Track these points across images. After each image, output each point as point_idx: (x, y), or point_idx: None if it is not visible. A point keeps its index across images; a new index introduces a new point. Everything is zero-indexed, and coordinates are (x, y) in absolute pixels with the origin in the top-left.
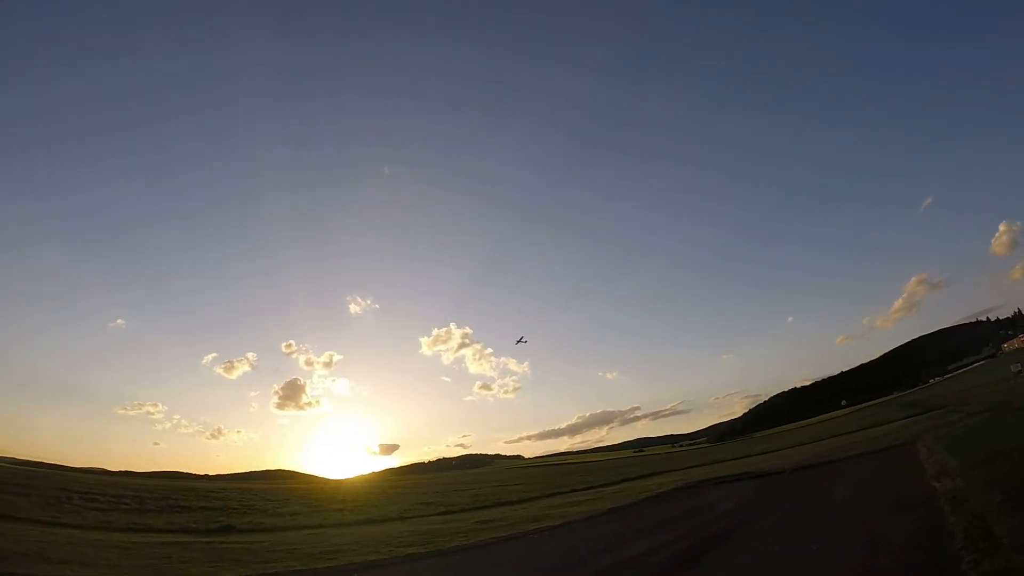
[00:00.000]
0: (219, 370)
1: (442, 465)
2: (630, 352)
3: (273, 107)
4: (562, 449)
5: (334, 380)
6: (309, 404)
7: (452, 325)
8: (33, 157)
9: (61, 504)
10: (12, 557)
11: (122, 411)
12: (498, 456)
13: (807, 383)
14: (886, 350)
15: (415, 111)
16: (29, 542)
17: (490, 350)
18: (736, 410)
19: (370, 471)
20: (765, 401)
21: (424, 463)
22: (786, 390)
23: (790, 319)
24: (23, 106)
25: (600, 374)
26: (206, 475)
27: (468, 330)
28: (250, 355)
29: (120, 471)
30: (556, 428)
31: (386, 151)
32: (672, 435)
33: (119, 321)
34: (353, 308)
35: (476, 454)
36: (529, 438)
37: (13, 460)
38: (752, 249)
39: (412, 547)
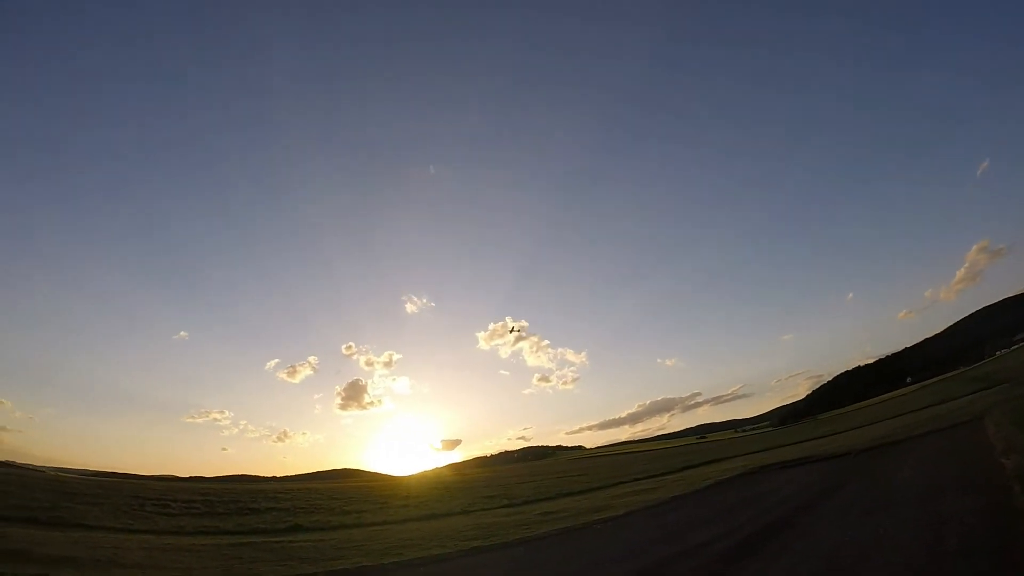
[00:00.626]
0: (282, 375)
1: (504, 458)
2: (688, 338)
3: (316, 117)
4: (623, 438)
5: (394, 379)
6: (371, 403)
7: (508, 319)
8: (95, 183)
9: (133, 511)
10: (85, 564)
11: (190, 419)
12: (559, 447)
13: (870, 361)
14: (950, 323)
15: (455, 109)
16: (102, 548)
17: (547, 342)
18: (799, 392)
19: (433, 467)
20: (828, 381)
21: (486, 457)
22: (849, 369)
23: (850, 296)
24: (88, 134)
25: (659, 361)
26: (273, 477)
27: (524, 323)
28: (312, 359)
29: (190, 477)
30: (616, 417)
31: (430, 151)
32: (734, 420)
33: (182, 333)
34: (409, 307)
35: (537, 446)
36: (590, 428)
37: (86, 471)
38: (808, 226)
39: (476, 540)
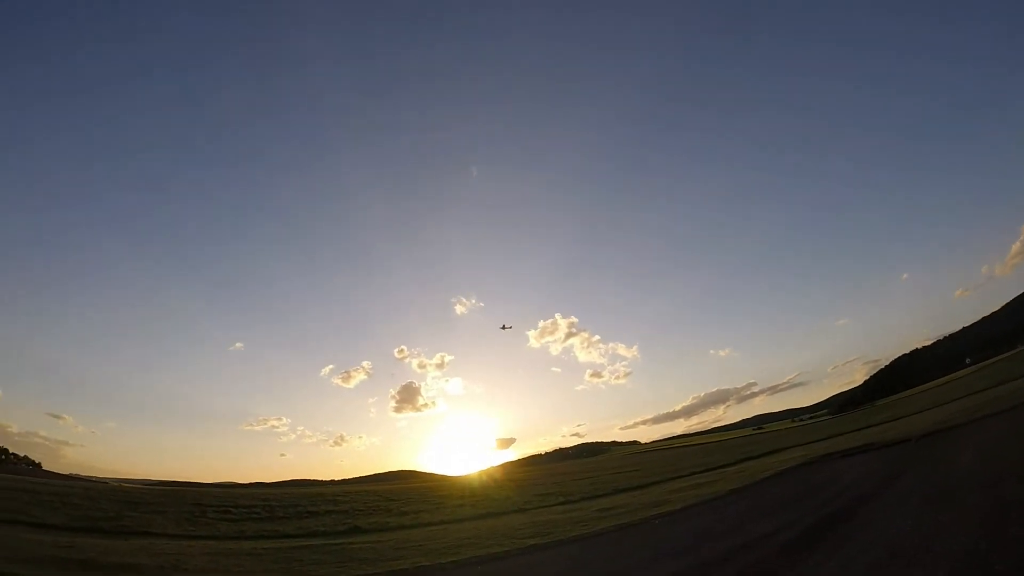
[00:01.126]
0: (337, 380)
1: (559, 455)
2: (742, 326)
3: (359, 125)
4: (678, 432)
5: (447, 380)
6: (425, 405)
7: (557, 316)
8: (150, 201)
9: (195, 518)
10: (149, 570)
11: (248, 427)
12: (614, 443)
13: (928, 343)
14: (1007, 299)
15: (492, 110)
16: (165, 555)
17: (597, 337)
18: (856, 378)
19: (489, 466)
20: (885, 366)
21: (541, 455)
22: (907, 352)
23: (904, 276)
24: (141, 153)
25: (712, 352)
26: (332, 480)
27: (574, 319)
28: (365, 363)
29: (250, 483)
30: (671, 411)
31: (470, 153)
32: (791, 409)
33: (238, 344)
34: (459, 309)
35: (592, 442)
36: (644, 423)
37: (149, 481)
38: (858, 206)
39: (533, 538)
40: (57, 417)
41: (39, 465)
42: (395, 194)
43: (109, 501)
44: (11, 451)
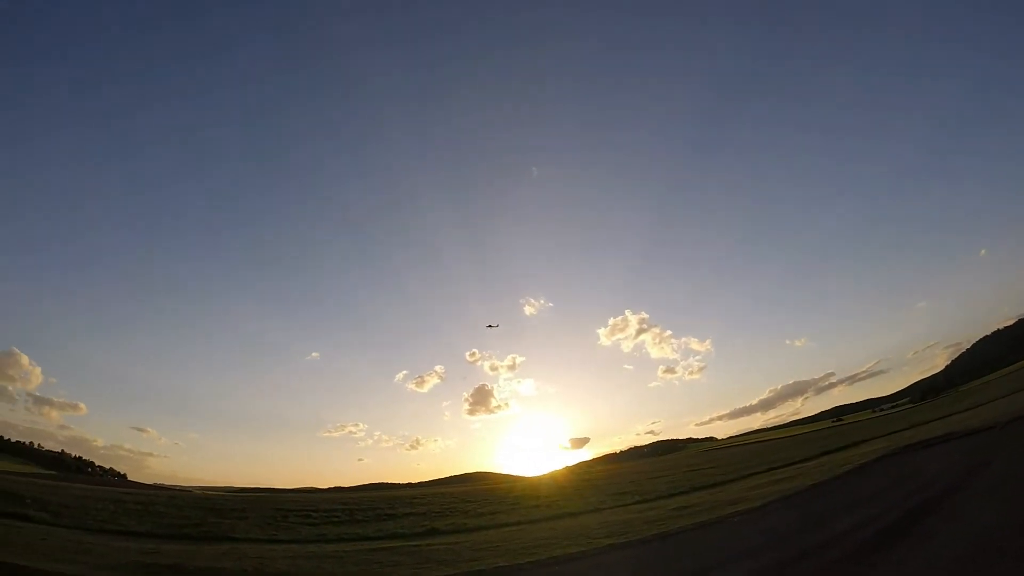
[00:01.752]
0: (411, 385)
1: (634, 454)
2: (817, 315)
3: (418, 129)
4: (755, 427)
5: (519, 381)
6: (499, 407)
7: (627, 312)
8: (226, 217)
9: (277, 523)
10: (233, 574)
11: (327, 434)
12: (690, 440)
13: (1010, 322)
14: None
15: (550, 109)
16: (249, 559)
17: (669, 332)
18: (937, 363)
19: (563, 466)
20: (967, 349)
21: (616, 453)
22: (988, 334)
23: (983, 252)
24: (221, 179)
25: (788, 342)
26: (409, 483)
27: (644, 315)
28: (438, 368)
29: (330, 488)
30: (747, 405)
31: (530, 153)
32: (871, 399)
33: (314, 354)
34: (528, 310)
35: (667, 440)
36: (720, 418)
37: (231, 488)
38: (931, 182)
39: (610, 538)
40: (141, 430)
41: (124, 476)
42: (458, 199)
43: (193, 508)
44: (97, 464)
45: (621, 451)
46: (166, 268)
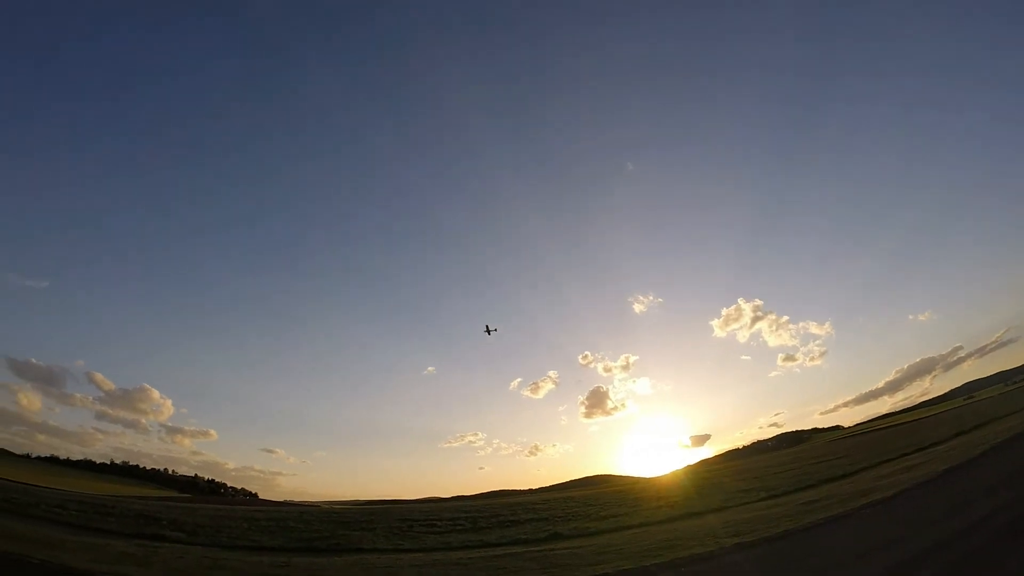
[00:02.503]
0: (526, 392)
1: (758, 448)
2: (939, 284)
3: (508, 141)
4: (883, 411)
5: (634, 381)
6: (615, 408)
7: (740, 301)
8: (341, 237)
9: (403, 532)
10: None
11: (447, 445)
12: (815, 430)
13: None
14: None
15: (637, 100)
16: (377, 568)
17: (786, 317)
18: None
19: (684, 464)
20: None
21: (738, 448)
22: None
23: None
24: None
25: (911, 317)
26: (530, 489)
27: (758, 302)
28: (552, 373)
29: (452, 496)
30: (873, 388)
31: (622, 148)
32: (1003, 372)
33: (430, 369)
34: (637, 307)
35: (792, 431)
36: (846, 405)
37: (358, 501)
38: None
39: (737, 536)
40: (270, 451)
41: (256, 495)
42: (553, 201)
43: (322, 522)
44: (229, 485)
45: (744, 446)
46: (284, 297)
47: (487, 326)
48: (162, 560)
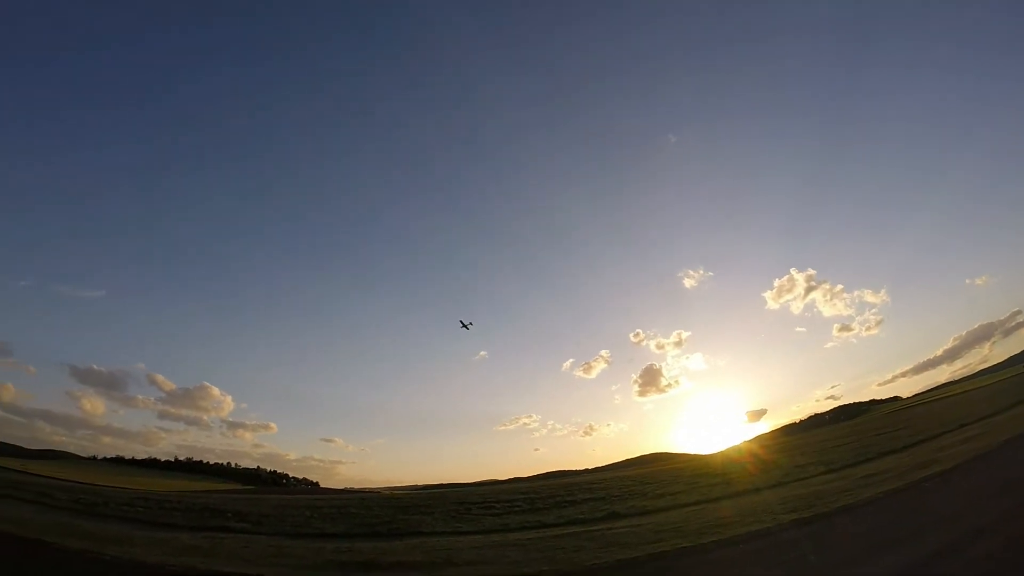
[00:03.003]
0: (579, 373)
1: (815, 422)
2: (996, 246)
3: (546, 125)
4: (942, 380)
5: (687, 357)
6: (669, 385)
7: (792, 271)
8: (394, 235)
9: (461, 515)
10: (422, 566)
11: (502, 428)
12: (873, 401)
13: None
14: None
15: (675, 72)
16: (437, 551)
17: (840, 286)
18: None
19: (741, 440)
20: None
21: (796, 423)
22: None
23: None
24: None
25: (968, 281)
26: (586, 469)
27: (811, 271)
28: (603, 352)
29: (509, 479)
30: (931, 357)
31: (663, 120)
32: None
33: (482, 353)
34: (687, 282)
35: (849, 404)
36: (903, 375)
37: (417, 486)
38: None
39: (795, 512)
40: (329, 441)
41: (317, 484)
42: (596, 181)
43: (382, 508)
44: (291, 475)
45: (801, 420)
46: (335, 290)
47: (462, 321)
48: (228, 550)
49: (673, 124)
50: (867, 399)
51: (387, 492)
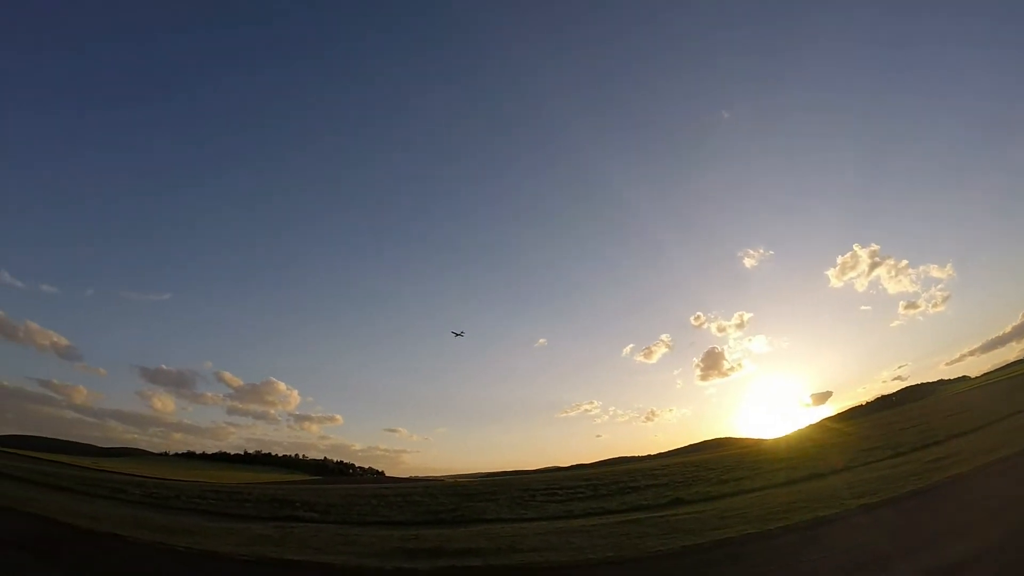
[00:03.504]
0: (639, 358)
1: (882, 404)
2: None
3: (597, 110)
4: (1011, 358)
5: (750, 339)
6: (731, 369)
7: (856, 247)
8: (449, 223)
9: (525, 502)
10: (488, 552)
11: (563, 414)
12: (941, 382)
13: None
14: None
15: (725, 47)
16: (501, 538)
17: (905, 262)
18: None
19: (807, 424)
20: None
21: (862, 405)
22: None
23: None
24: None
25: None
26: (648, 455)
27: (875, 247)
28: (664, 337)
29: (572, 465)
30: (1000, 334)
31: (716, 96)
32: None
33: (542, 341)
34: (747, 262)
35: (917, 385)
36: (972, 353)
37: (480, 474)
38: None
39: (863, 497)
40: (393, 431)
41: (383, 473)
42: (651, 161)
43: (447, 496)
44: (357, 465)
45: (867, 402)
46: (394, 282)
47: (453, 332)
48: (297, 539)
49: (725, 99)
50: (935, 379)
51: (451, 480)
